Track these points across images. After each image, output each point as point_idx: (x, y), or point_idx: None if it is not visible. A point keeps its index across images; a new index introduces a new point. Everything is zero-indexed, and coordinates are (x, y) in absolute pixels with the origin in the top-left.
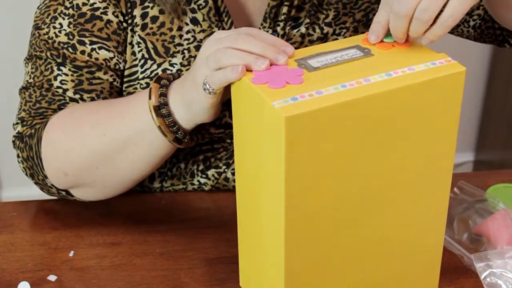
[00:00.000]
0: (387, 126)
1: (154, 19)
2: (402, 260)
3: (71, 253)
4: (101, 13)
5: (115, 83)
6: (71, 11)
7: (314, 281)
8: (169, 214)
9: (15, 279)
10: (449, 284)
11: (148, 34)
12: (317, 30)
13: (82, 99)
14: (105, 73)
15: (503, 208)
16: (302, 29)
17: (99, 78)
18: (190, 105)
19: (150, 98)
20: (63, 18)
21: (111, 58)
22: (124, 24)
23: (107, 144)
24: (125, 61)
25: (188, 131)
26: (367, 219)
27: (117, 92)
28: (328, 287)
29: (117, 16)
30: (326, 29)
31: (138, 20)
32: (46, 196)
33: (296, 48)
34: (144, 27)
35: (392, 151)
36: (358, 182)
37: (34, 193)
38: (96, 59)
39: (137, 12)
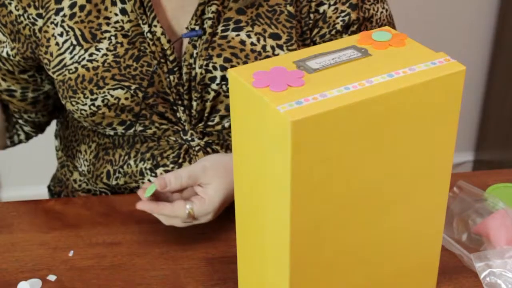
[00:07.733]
0: (388, 127)
1: (82, 8)
2: (400, 259)
3: (71, 253)
4: (8, 3)
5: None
6: None
7: (317, 283)
8: None
9: (15, 279)
10: (449, 283)
11: (76, 22)
12: (263, 44)
13: None
14: (4, 80)
15: (503, 207)
16: (243, 36)
17: None
18: None
19: None
20: None
21: (3, 42)
22: (22, 18)
23: None
24: (22, 47)
25: None
26: (368, 219)
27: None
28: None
29: (18, 10)
30: (277, 50)
31: (66, 11)
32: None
33: (236, 53)
34: (72, 16)
35: (393, 151)
36: (361, 183)
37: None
38: None
39: (65, 3)
